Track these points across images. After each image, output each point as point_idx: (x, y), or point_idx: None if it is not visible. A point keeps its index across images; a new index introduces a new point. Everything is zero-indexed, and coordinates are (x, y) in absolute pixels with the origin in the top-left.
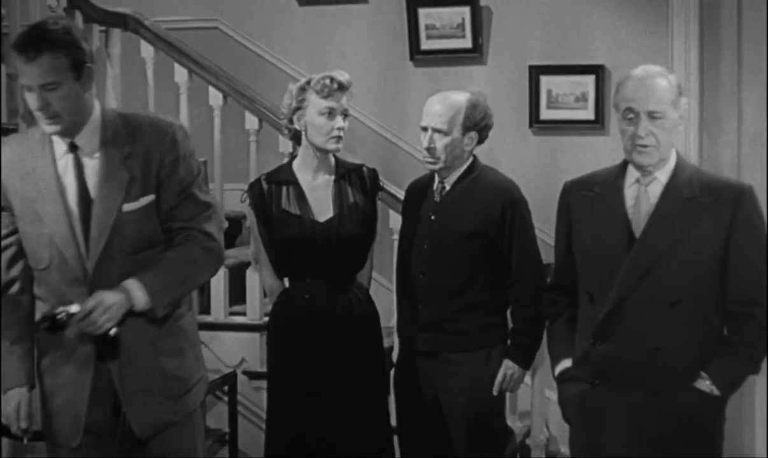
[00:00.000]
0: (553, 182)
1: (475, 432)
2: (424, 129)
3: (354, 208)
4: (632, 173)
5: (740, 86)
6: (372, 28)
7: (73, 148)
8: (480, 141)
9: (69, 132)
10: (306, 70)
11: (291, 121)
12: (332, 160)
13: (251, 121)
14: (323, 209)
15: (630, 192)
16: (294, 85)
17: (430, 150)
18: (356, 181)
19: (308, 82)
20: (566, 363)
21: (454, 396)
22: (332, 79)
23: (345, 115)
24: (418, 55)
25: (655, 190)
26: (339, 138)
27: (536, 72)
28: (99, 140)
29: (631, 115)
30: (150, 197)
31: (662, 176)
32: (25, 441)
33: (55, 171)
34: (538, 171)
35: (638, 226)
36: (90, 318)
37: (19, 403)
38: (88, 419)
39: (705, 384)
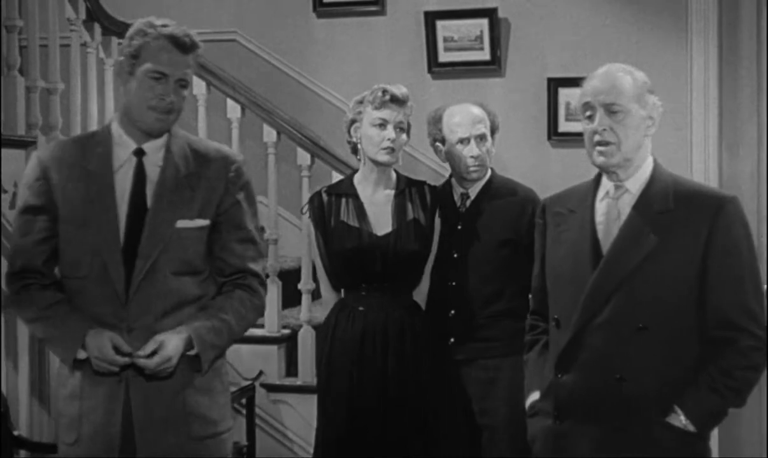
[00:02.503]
0: None
1: (516, 436)
2: (463, 140)
3: (413, 224)
4: (604, 186)
5: (759, 98)
6: (390, 41)
7: (139, 153)
8: None
9: (156, 133)
10: (324, 83)
11: (349, 134)
12: (393, 174)
13: (269, 134)
14: (382, 223)
15: (601, 207)
16: (355, 98)
17: (480, 157)
18: (416, 197)
19: (366, 95)
20: (534, 396)
21: (495, 403)
22: (385, 91)
23: (401, 129)
24: (436, 67)
25: (625, 204)
26: (391, 149)
27: (555, 84)
28: (164, 153)
29: (588, 112)
30: (205, 222)
31: (634, 187)
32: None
33: (112, 177)
34: (556, 184)
35: (606, 244)
36: (147, 362)
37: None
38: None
39: (679, 419)
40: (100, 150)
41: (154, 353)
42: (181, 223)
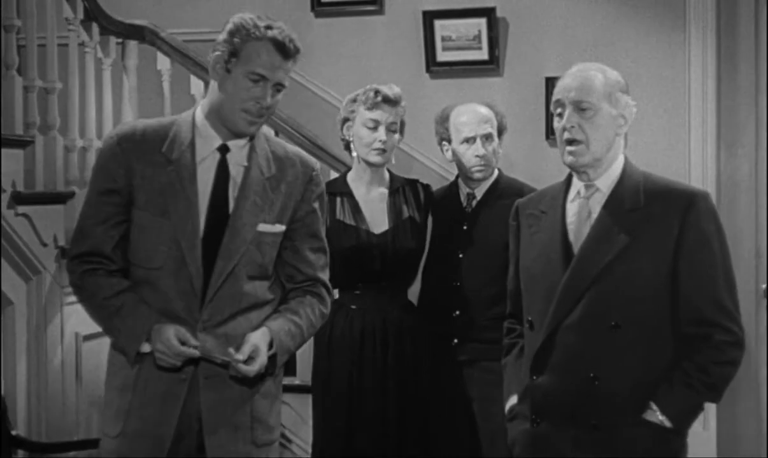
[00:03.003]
0: None
1: None
2: (468, 140)
3: (408, 222)
4: (575, 186)
5: (758, 98)
6: (388, 40)
7: (223, 149)
8: None
9: (245, 135)
10: (322, 82)
11: (342, 132)
12: (386, 173)
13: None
14: (378, 222)
15: (572, 207)
16: (348, 96)
17: (485, 157)
18: (410, 196)
19: (358, 94)
20: (513, 400)
21: (498, 405)
22: (377, 92)
23: (393, 130)
24: (434, 66)
25: (596, 203)
26: (382, 150)
27: (553, 83)
28: (247, 152)
29: (559, 109)
30: (282, 227)
31: (605, 187)
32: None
33: (195, 169)
34: (554, 183)
35: (577, 245)
36: (248, 369)
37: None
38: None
39: (655, 416)
40: (182, 139)
41: (250, 357)
42: (263, 227)
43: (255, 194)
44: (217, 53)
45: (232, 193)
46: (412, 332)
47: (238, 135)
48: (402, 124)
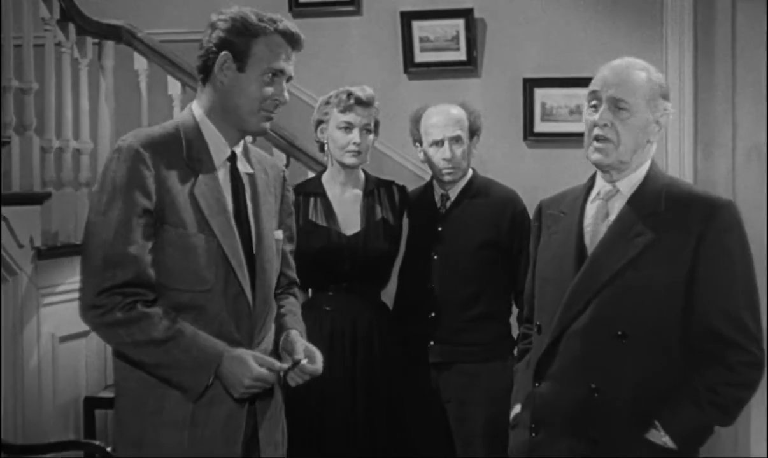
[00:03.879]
0: (548, 195)
1: (493, 442)
2: (437, 142)
3: (381, 223)
4: (597, 186)
5: (734, 98)
6: (366, 41)
7: (232, 158)
8: None
9: (258, 135)
10: (299, 83)
11: (317, 133)
12: (361, 174)
13: None
14: (351, 223)
15: (591, 209)
16: (321, 98)
17: (453, 160)
18: (385, 197)
19: (331, 96)
20: (517, 409)
21: (473, 407)
22: (350, 94)
23: (367, 130)
24: (412, 67)
25: (615, 206)
26: (356, 152)
27: (530, 85)
28: (245, 157)
29: (594, 102)
30: (282, 232)
31: (626, 189)
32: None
33: (219, 182)
34: (532, 184)
35: (592, 247)
36: (317, 368)
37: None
38: None
39: (658, 436)
40: (197, 146)
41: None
42: (277, 234)
43: (266, 201)
44: (223, 53)
45: (249, 201)
46: (382, 334)
47: (246, 136)
48: (376, 123)
